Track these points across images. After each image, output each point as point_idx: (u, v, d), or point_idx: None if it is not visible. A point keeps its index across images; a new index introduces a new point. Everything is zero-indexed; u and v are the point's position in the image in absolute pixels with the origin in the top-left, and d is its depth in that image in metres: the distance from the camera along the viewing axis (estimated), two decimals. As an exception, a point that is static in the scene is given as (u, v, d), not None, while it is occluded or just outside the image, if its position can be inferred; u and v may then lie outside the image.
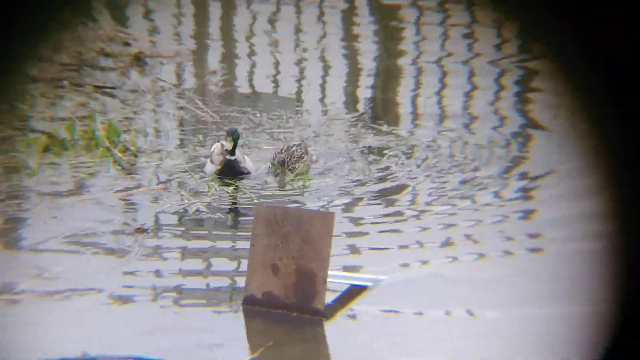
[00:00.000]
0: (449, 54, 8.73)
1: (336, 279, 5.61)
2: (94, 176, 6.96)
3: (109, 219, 6.38)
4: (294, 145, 7.00)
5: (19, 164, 6.94)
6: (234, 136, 6.74)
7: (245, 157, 7.04)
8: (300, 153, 6.91)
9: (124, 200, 6.70)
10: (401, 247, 6.09)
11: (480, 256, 6.00)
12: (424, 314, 5.39)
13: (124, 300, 5.55)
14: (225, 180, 6.82)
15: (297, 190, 6.95)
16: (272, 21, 9.21)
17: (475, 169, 7.08)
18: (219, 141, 7.03)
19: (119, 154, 7.14)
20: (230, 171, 6.77)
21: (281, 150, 7.03)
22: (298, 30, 9.06)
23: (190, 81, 8.45)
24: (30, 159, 6.98)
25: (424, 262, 5.86)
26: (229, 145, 6.66)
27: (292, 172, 6.82)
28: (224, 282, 5.82)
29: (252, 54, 8.87)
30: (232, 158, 6.75)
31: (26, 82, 7.84)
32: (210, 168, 6.92)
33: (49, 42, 8.08)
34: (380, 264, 5.83)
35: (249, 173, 6.93)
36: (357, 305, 5.48)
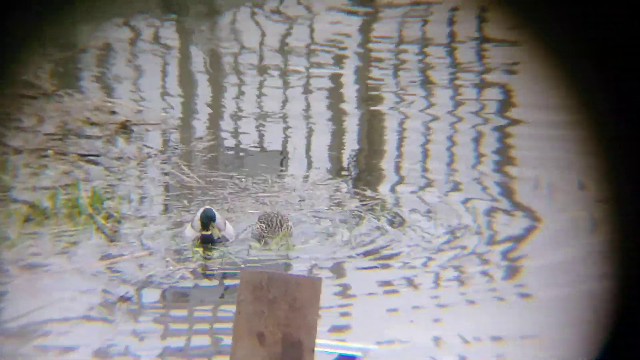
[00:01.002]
0: (435, 119, 8.35)
1: (324, 348, 5.05)
2: (76, 245, 6.60)
3: (91, 289, 5.97)
4: (273, 213, 6.57)
5: (-1, 234, 6.51)
6: (204, 220, 6.59)
7: (226, 222, 6.78)
8: (280, 219, 6.48)
9: (107, 268, 6.22)
10: (390, 315, 5.57)
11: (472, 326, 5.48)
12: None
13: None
14: (210, 246, 6.41)
15: (282, 256, 6.49)
16: (259, 89, 8.89)
17: (459, 236, 6.61)
18: (202, 207, 6.86)
19: (102, 221, 6.79)
20: (207, 241, 6.60)
21: (259, 218, 6.59)
22: (284, 99, 8.73)
23: (176, 147, 8.04)
24: (10, 230, 6.55)
25: (414, 332, 5.33)
26: (214, 232, 6.54)
27: (274, 238, 6.37)
28: (209, 351, 5.27)
29: (238, 120, 8.51)
30: (208, 233, 6.60)
31: (9, 154, 7.43)
32: (190, 234, 6.63)
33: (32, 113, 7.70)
34: (369, 332, 5.29)
35: (227, 240, 6.70)
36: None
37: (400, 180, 7.59)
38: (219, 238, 6.60)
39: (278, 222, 6.65)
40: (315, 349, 4.89)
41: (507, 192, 7.35)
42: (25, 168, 7.50)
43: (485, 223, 6.91)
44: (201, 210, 6.73)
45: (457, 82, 8.84)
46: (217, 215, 6.68)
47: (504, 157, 7.84)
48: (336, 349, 5.26)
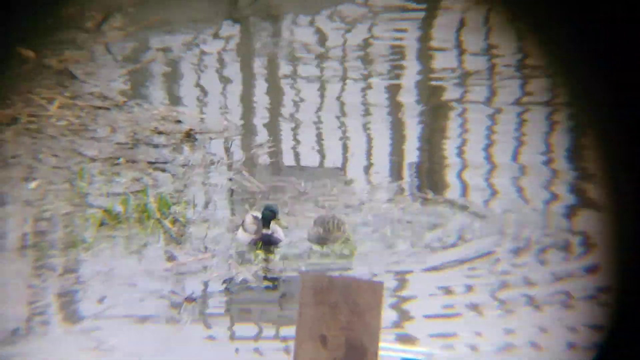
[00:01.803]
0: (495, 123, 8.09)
1: (388, 352, 4.86)
2: (145, 247, 6.51)
3: (159, 289, 5.89)
4: (328, 217, 6.38)
5: (77, 238, 6.50)
6: (267, 217, 6.50)
7: (277, 227, 6.67)
8: (337, 222, 6.27)
9: (173, 270, 6.16)
10: (453, 320, 5.34)
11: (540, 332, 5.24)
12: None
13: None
14: (270, 248, 6.26)
15: (344, 259, 6.31)
16: (318, 95, 8.75)
17: (529, 240, 6.33)
18: (249, 212, 6.83)
19: (169, 225, 6.75)
20: (266, 242, 6.52)
21: (315, 221, 6.44)
22: (342, 103, 8.57)
23: (238, 154, 7.98)
24: (87, 234, 6.57)
25: (479, 336, 5.09)
26: (280, 224, 6.48)
27: (334, 242, 6.19)
28: (278, 355, 5.15)
29: (297, 127, 8.38)
30: (269, 232, 6.51)
31: (85, 162, 7.48)
32: (243, 237, 6.65)
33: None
34: (434, 337, 5.07)
35: (280, 241, 6.61)
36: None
37: (465, 187, 7.33)
38: (274, 240, 6.44)
39: (335, 226, 6.47)
40: (379, 352, 4.72)
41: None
42: (99, 175, 7.56)
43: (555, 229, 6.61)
44: (250, 214, 6.58)
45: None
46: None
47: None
48: (400, 353, 5.06)
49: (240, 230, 6.60)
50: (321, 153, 8.00)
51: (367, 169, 7.74)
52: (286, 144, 8.15)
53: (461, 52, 9.07)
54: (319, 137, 8.29)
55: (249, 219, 6.56)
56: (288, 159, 7.94)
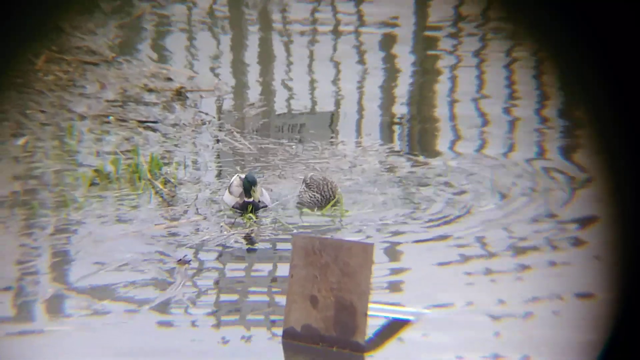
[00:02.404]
0: (484, 82, 8.14)
1: (377, 312, 4.98)
2: (137, 208, 6.59)
3: (152, 251, 5.96)
4: (321, 180, 6.43)
5: (68, 197, 6.55)
6: (247, 185, 6.52)
7: (264, 190, 6.76)
8: (331, 187, 6.33)
9: (165, 231, 6.23)
10: (444, 280, 5.46)
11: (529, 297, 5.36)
12: (468, 350, 4.74)
13: (166, 326, 5.16)
14: (261, 211, 6.36)
15: (335, 221, 6.40)
16: (309, 51, 8.73)
17: (516, 201, 6.44)
18: (237, 174, 6.84)
19: (161, 186, 6.80)
20: (247, 206, 6.60)
21: (308, 185, 6.48)
22: (335, 61, 8.56)
23: (228, 114, 7.99)
24: (78, 193, 6.61)
25: (469, 299, 5.22)
26: (255, 196, 6.49)
27: (328, 204, 6.27)
28: (264, 313, 5.27)
29: (289, 85, 8.39)
30: (250, 200, 6.57)
31: (74, 119, 7.48)
32: (229, 199, 6.71)
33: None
34: (424, 296, 5.20)
35: (265, 206, 6.66)
36: (398, 340, 4.84)
37: (455, 144, 7.38)
38: (259, 202, 6.52)
39: (329, 191, 6.51)
40: (368, 312, 4.85)
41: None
42: (89, 133, 7.54)
43: (542, 186, 6.71)
44: (237, 176, 6.66)
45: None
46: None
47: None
48: (389, 313, 5.17)
49: (227, 192, 6.64)
50: (313, 112, 8.04)
51: (358, 131, 7.80)
52: (278, 103, 8.17)
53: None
54: (312, 97, 8.31)
55: (235, 181, 6.60)
56: (279, 119, 7.96)
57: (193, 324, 5.30)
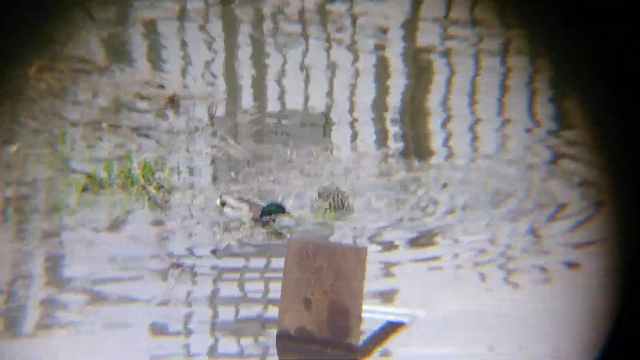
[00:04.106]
0: (477, 89, 8.30)
1: (371, 314, 5.11)
2: (130, 213, 6.68)
3: (145, 255, 6.07)
4: (333, 189, 6.55)
5: (60, 203, 6.66)
6: (274, 210, 6.59)
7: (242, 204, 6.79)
8: (341, 197, 6.46)
9: (159, 235, 6.36)
10: (438, 283, 5.59)
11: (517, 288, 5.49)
12: (463, 353, 4.86)
13: (159, 332, 5.25)
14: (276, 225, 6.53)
15: (330, 227, 6.54)
16: (303, 62, 8.89)
17: (510, 204, 6.57)
18: (224, 197, 6.87)
19: (154, 192, 6.91)
20: (268, 223, 6.67)
21: (319, 194, 6.59)
22: (329, 67, 8.71)
23: (222, 120, 8.13)
24: (70, 199, 6.72)
25: (462, 298, 5.34)
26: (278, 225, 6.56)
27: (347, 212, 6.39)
28: (258, 315, 5.37)
29: (283, 93, 8.53)
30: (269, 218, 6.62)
31: (67, 126, 7.61)
32: (232, 214, 6.77)
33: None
34: (417, 299, 5.33)
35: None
36: (392, 342, 4.97)
37: (450, 152, 7.51)
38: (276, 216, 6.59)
39: (339, 202, 6.60)
40: (363, 315, 4.96)
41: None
42: (81, 140, 7.67)
43: (538, 188, 6.83)
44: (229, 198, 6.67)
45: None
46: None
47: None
48: (383, 315, 5.29)
49: (229, 209, 6.66)
50: (306, 120, 8.17)
51: (354, 137, 7.94)
52: (271, 109, 8.30)
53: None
54: (305, 103, 8.45)
55: (231, 201, 6.64)
56: (273, 126, 8.10)
57: (186, 329, 5.41)
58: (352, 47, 9.04)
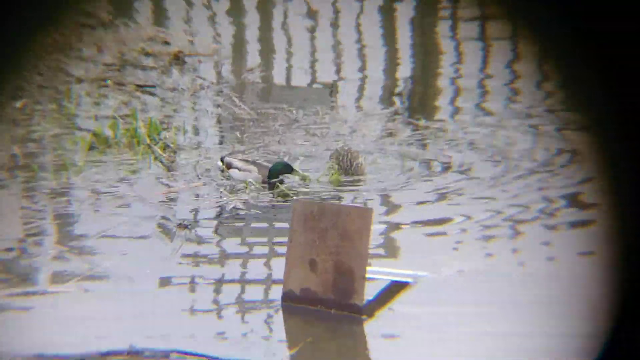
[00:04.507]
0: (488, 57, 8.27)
1: (376, 275, 5.20)
2: (136, 173, 6.74)
3: (151, 215, 6.14)
4: (343, 151, 6.60)
5: (67, 161, 6.72)
6: (283, 169, 6.57)
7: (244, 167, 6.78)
8: (350, 157, 6.51)
9: (165, 196, 6.41)
10: (442, 244, 5.67)
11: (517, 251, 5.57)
12: (465, 311, 4.97)
13: (166, 289, 5.37)
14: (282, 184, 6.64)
15: (336, 187, 6.59)
16: (310, 16, 8.82)
17: (518, 165, 6.62)
18: (231, 157, 6.85)
19: (160, 151, 6.98)
20: (274, 185, 6.64)
21: (330, 156, 6.69)
22: (335, 25, 8.66)
23: (228, 79, 8.12)
24: (77, 157, 6.78)
25: (466, 259, 5.43)
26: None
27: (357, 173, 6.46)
28: (263, 276, 5.47)
29: (289, 51, 8.51)
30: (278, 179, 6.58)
31: (72, 82, 7.62)
32: (238, 175, 6.75)
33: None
34: (422, 260, 5.41)
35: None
36: (397, 302, 5.07)
37: (456, 111, 7.52)
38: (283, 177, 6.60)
39: (348, 162, 6.64)
40: (367, 276, 5.05)
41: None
42: (87, 97, 7.68)
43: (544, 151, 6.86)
44: (232, 159, 6.64)
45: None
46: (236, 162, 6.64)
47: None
48: (388, 276, 5.36)
49: (236, 170, 6.65)
50: (313, 77, 8.15)
51: (359, 95, 7.94)
52: (277, 69, 8.28)
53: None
54: (312, 63, 8.43)
55: (237, 162, 6.61)
56: (279, 79, 8.10)
57: (192, 288, 5.50)
58: (360, 6, 8.98)
